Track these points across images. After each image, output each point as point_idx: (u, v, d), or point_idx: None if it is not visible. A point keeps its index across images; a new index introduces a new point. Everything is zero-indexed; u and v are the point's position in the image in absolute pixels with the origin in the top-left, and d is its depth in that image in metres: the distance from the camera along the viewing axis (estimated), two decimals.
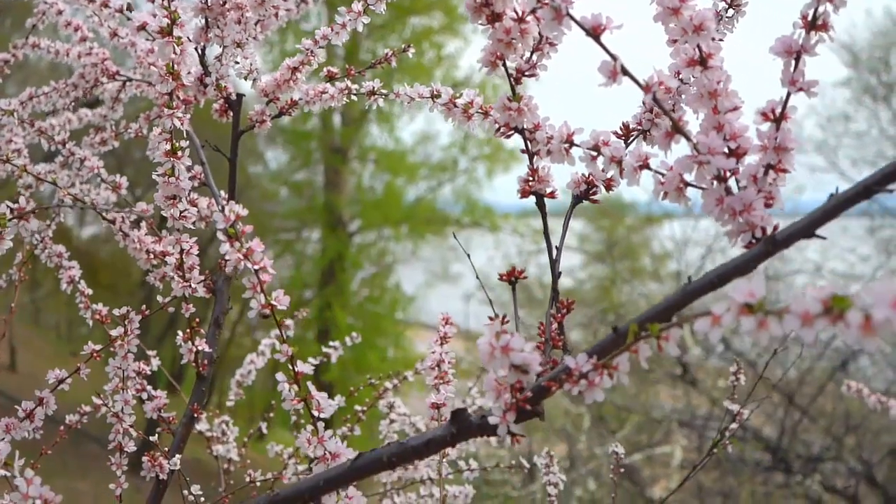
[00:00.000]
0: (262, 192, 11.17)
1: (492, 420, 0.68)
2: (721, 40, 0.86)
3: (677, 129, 0.75)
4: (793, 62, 0.68)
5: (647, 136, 0.85)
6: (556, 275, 0.87)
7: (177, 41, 0.99)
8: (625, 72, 0.69)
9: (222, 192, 1.23)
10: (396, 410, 1.73)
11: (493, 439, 1.84)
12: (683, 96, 0.78)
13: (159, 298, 1.19)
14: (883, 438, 6.87)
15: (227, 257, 0.77)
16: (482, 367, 1.88)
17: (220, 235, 0.77)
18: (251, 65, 1.22)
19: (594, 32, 0.68)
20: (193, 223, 1.08)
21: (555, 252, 0.87)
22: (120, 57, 1.58)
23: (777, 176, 0.69)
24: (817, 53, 0.68)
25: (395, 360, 10.00)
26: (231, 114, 1.27)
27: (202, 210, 1.20)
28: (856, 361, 7.21)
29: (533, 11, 0.75)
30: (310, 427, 0.81)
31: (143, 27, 1.13)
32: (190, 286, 1.10)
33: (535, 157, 0.87)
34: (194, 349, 1.14)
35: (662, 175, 0.75)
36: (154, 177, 1.03)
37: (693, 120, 0.76)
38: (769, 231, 0.67)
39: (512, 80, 0.84)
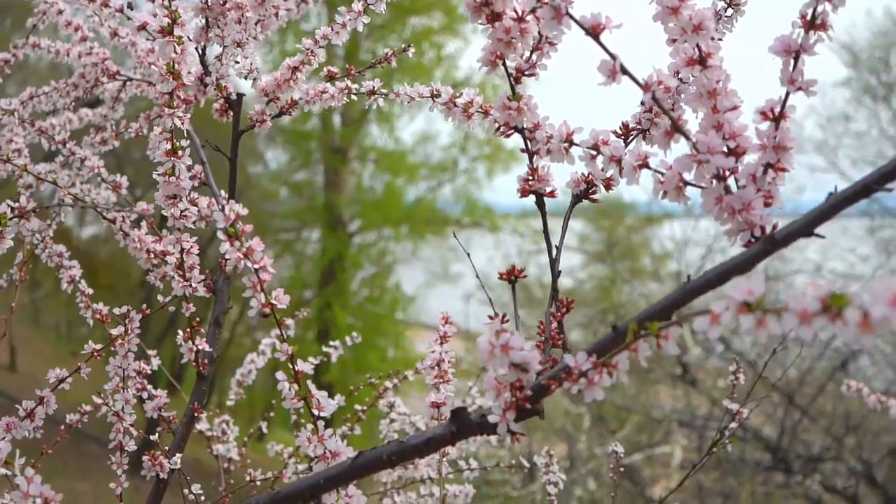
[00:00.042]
0: (262, 192, 11.17)
1: (492, 418, 0.68)
2: (720, 40, 0.86)
3: (676, 129, 0.75)
4: (792, 61, 0.69)
5: (646, 136, 0.85)
6: (555, 274, 0.87)
7: (177, 41, 0.99)
8: (624, 71, 0.69)
9: (222, 192, 1.23)
10: (396, 410, 1.73)
11: (493, 439, 1.84)
12: (683, 95, 0.78)
13: (159, 298, 1.19)
14: (883, 438, 6.87)
15: (227, 256, 0.77)
16: (482, 367, 1.88)
17: (220, 235, 0.77)
18: (251, 64, 1.22)
19: (593, 32, 0.68)
20: (194, 223, 1.08)
21: (554, 251, 0.88)
22: (120, 57, 1.59)
23: (776, 175, 0.70)
24: (816, 53, 0.69)
25: (395, 360, 10.01)
26: (231, 113, 1.27)
27: (202, 210, 1.20)
28: (856, 361, 7.21)
29: (533, 11, 0.75)
30: (310, 426, 0.81)
31: (143, 27, 1.14)
32: (190, 285, 1.10)
33: (535, 156, 0.88)
34: (195, 348, 1.14)
35: (662, 174, 0.75)
36: (155, 176, 1.03)
37: (692, 119, 0.76)
38: (768, 230, 0.67)
39: (512, 79, 0.85)
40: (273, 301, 0.79)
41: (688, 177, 0.73)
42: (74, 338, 11.81)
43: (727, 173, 0.70)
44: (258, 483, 1.57)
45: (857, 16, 8.95)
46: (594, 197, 0.88)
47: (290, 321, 1.72)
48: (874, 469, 6.34)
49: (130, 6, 1.30)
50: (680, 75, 0.77)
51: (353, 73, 1.27)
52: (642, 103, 0.85)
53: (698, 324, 0.54)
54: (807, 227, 0.62)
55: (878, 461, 6.49)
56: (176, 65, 1.00)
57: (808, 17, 0.68)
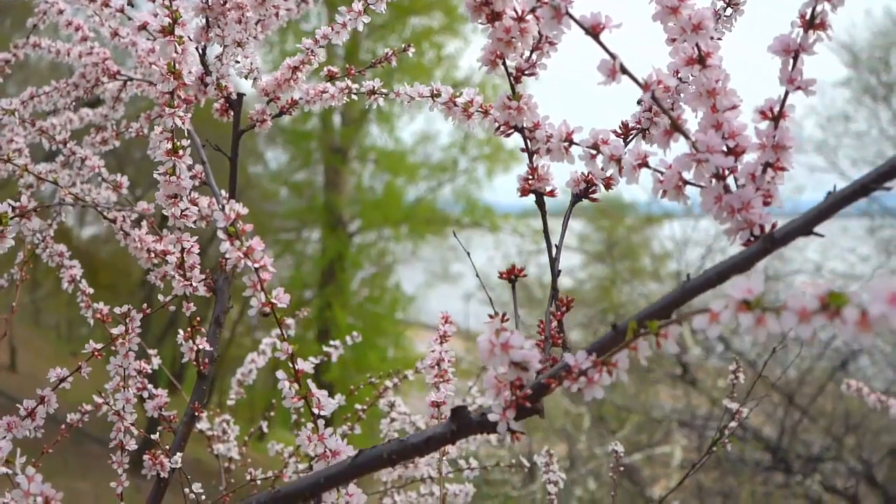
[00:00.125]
0: (262, 192, 11.18)
1: (492, 417, 0.68)
2: (719, 39, 0.86)
3: (676, 128, 0.75)
4: (791, 61, 0.69)
5: (646, 135, 0.85)
6: (555, 273, 0.87)
7: (178, 40, 0.99)
8: (624, 70, 0.69)
9: (223, 192, 1.24)
10: (397, 409, 1.73)
11: (493, 438, 1.84)
12: (682, 95, 0.78)
13: (160, 297, 1.19)
14: (883, 438, 6.87)
15: (227, 255, 0.78)
16: (482, 367, 1.89)
17: (220, 234, 0.77)
18: (252, 64, 1.22)
19: (593, 31, 0.69)
20: (194, 222, 1.08)
21: (554, 251, 0.88)
22: (120, 57, 1.59)
23: (775, 174, 0.70)
24: (815, 52, 0.69)
25: (395, 359, 10.01)
26: (231, 113, 1.27)
27: (203, 209, 1.20)
28: (856, 361, 7.21)
29: (532, 10, 0.75)
30: (310, 425, 0.81)
31: (144, 27, 1.14)
32: (191, 285, 1.10)
33: (535, 155, 0.88)
34: (195, 348, 1.15)
35: (661, 173, 0.76)
36: (155, 175, 1.03)
37: (692, 118, 0.76)
38: (767, 229, 0.68)
39: (512, 78, 0.85)
40: (273, 300, 0.79)
41: (687, 176, 0.73)
42: (75, 338, 11.81)
43: (726, 172, 0.70)
44: (259, 482, 1.57)
45: (857, 16, 8.95)
46: (594, 196, 0.88)
47: (290, 321, 1.72)
48: (874, 469, 6.34)
49: (131, 4, 1.30)
50: (679, 75, 0.77)
51: (354, 72, 1.27)
52: (639, 102, 0.85)
53: (698, 322, 0.54)
54: (806, 225, 0.63)
55: (878, 461, 6.49)
56: (177, 64, 1.00)
57: (807, 17, 0.68)
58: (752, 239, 0.68)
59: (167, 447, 1.14)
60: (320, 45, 1.24)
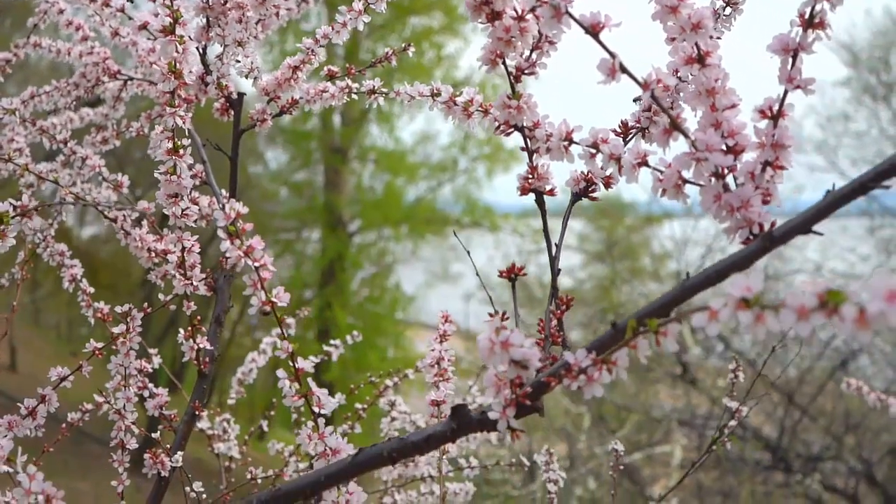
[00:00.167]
0: (262, 192, 11.19)
1: (492, 415, 0.68)
2: (719, 38, 0.86)
3: (675, 127, 0.75)
4: (790, 60, 0.69)
5: (645, 134, 0.85)
6: (555, 272, 0.87)
7: (179, 40, 1.00)
8: (623, 69, 0.69)
9: (223, 191, 1.24)
10: (397, 408, 1.73)
11: (493, 438, 1.84)
12: (682, 94, 0.78)
13: (160, 297, 1.19)
14: (883, 438, 6.88)
15: (227, 254, 0.78)
16: (482, 366, 1.89)
17: (220, 233, 0.78)
18: (252, 63, 1.23)
19: (593, 30, 0.69)
20: (195, 221, 1.08)
21: (554, 249, 0.88)
22: (121, 56, 1.59)
23: (775, 173, 0.70)
24: (814, 51, 0.69)
25: (396, 359, 10.02)
26: (232, 113, 1.27)
27: (203, 209, 1.20)
28: (855, 361, 7.22)
29: (532, 10, 0.75)
30: (311, 423, 0.82)
31: (144, 26, 1.14)
32: (191, 284, 1.10)
33: (535, 154, 0.88)
34: (196, 347, 1.15)
35: (661, 172, 0.76)
36: (156, 175, 1.03)
37: (691, 117, 0.76)
38: (766, 227, 0.68)
39: (512, 78, 0.85)
40: (273, 299, 0.79)
41: (686, 174, 0.73)
42: (75, 338, 11.82)
43: (726, 171, 0.70)
44: (259, 481, 1.57)
45: (857, 15, 8.96)
46: (594, 195, 0.89)
47: (290, 320, 1.72)
48: (874, 468, 6.34)
49: (132, 0, 1.30)
50: (679, 74, 0.77)
51: (354, 72, 1.27)
52: (635, 100, 0.85)
53: (697, 320, 0.54)
54: (804, 224, 0.63)
55: (877, 460, 6.49)
56: (178, 64, 1.00)
57: (807, 16, 0.68)
58: (751, 237, 0.69)
59: (168, 446, 1.15)
60: (321, 44, 1.24)
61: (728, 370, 1.61)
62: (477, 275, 1.07)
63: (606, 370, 0.63)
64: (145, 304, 1.15)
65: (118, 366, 1.12)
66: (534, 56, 0.86)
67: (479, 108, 1.00)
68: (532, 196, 0.91)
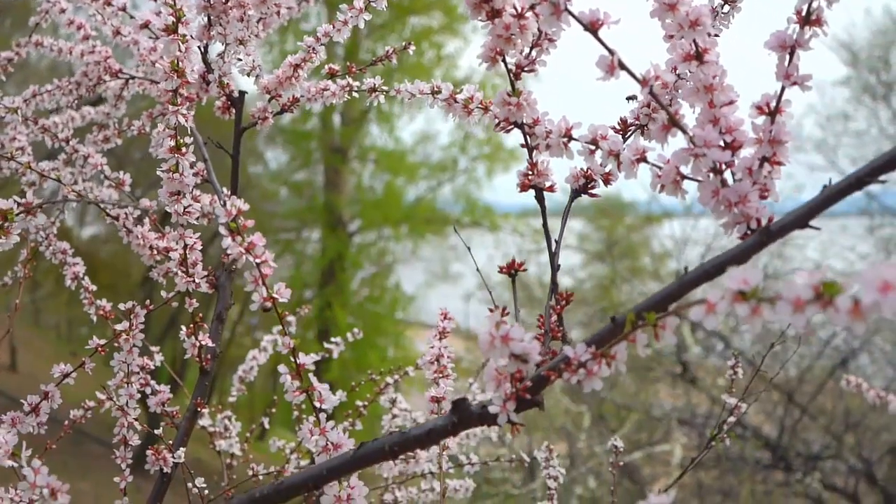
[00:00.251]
0: (262, 192, 11.19)
1: (492, 409, 0.69)
2: (717, 36, 0.87)
3: (674, 123, 0.76)
4: (787, 57, 0.70)
5: (644, 132, 0.86)
6: (555, 268, 0.88)
7: (181, 39, 1.00)
8: (622, 66, 0.70)
9: (224, 189, 1.24)
10: (398, 406, 1.74)
11: (493, 436, 1.83)
12: (680, 91, 0.79)
13: (163, 294, 1.20)
14: (883, 437, 6.89)
15: (228, 251, 0.78)
16: (482, 365, 1.89)
17: (221, 229, 0.78)
18: (254, 62, 1.23)
19: (592, 27, 0.70)
20: (196, 219, 1.09)
21: (554, 246, 0.89)
22: (122, 55, 1.60)
23: (772, 168, 0.71)
24: (811, 48, 0.70)
25: (396, 359, 10.02)
26: (233, 111, 1.28)
27: (205, 206, 1.21)
28: (855, 359, 7.23)
29: (532, 7, 0.76)
30: (312, 419, 0.82)
31: (145, 25, 1.15)
32: (193, 281, 1.11)
33: (535, 151, 0.89)
34: (197, 344, 1.15)
35: (659, 168, 0.77)
36: (158, 173, 1.04)
37: (690, 114, 0.77)
38: (764, 222, 0.68)
39: (511, 75, 0.86)
40: (274, 295, 0.80)
41: (685, 170, 0.74)
42: (75, 338, 11.82)
43: (723, 167, 0.71)
44: (261, 478, 1.58)
45: (857, 15, 8.96)
46: (593, 192, 0.89)
47: (290, 318, 1.73)
48: (874, 467, 6.35)
49: None
50: (677, 71, 0.78)
51: (354, 70, 1.28)
52: (629, 99, 0.86)
53: (695, 313, 0.55)
54: (802, 219, 0.63)
55: (877, 459, 6.50)
56: (180, 62, 1.01)
57: (803, 13, 0.69)
58: (748, 232, 0.69)
59: (170, 442, 1.15)
60: (321, 42, 1.25)
61: (727, 369, 1.62)
62: (478, 270, 1.07)
63: (605, 364, 0.64)
64: (147, 302, 1.16)
65: (121, 363, 1.12)
66: (533, 53, 0.86)
67: (480, 106, 1.00)
68: (532, 196, 0.91)
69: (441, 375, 1.10)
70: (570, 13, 0.70)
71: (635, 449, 7.24)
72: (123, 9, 1.40)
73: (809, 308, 0.47)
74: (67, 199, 1.31)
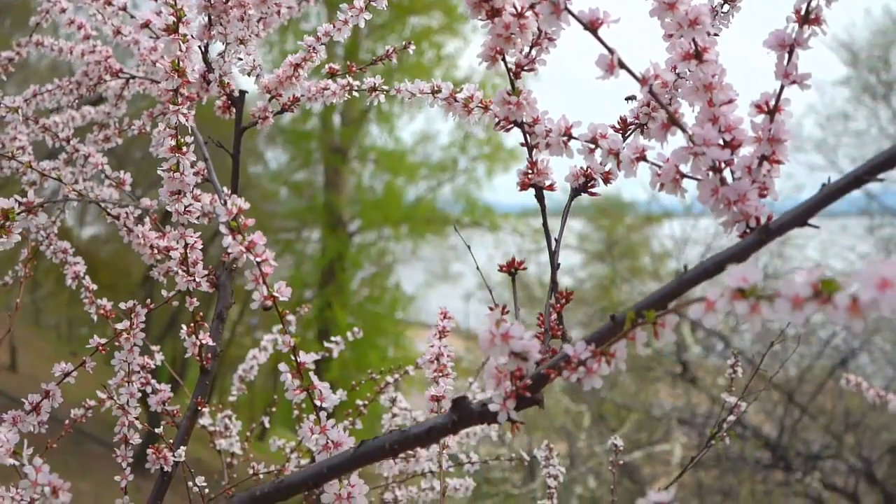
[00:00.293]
0: (262, 192, 11.19)
1: (492, 407, 0.69)
2: (716, 35, 0.87)
3: (673, 121, 0.76)
4: (786, 55, 0.70)
5: (644, 130, 0.86)
6: (555, 267, 0.88)
7: (182, 38, 1.00)
8: (622, 65, 0.70)
9: (225, 189, 1.25)
10: (398, 405, 1.74)
11: (493, 435, 1.83)
12: (680, 90, 0.79)
13: (163, 293, 1.20)
14: (882, 436, 6.89)
15: (229, 250, 0.78)
16: (482, 364, 1.89)
17: (222, 228, 0.78)
18: (254, 61, 1.23)
19: (591, 26, 0.70)
20: (197, 218, 1.09)
21: (554, 244, 0.89)
22: (122, 55, 1.60)
23: (771, 167, 0.71)
24: (810, 47, 0.70)
25: (396, 359, 10.02)
26: (233, 110, 1.28)
27: (205, 206, 1.21)
28: (855, 359, 7.23)
29: (532, 6, 0.76)
30: (312, 417, 0.82)
31: (146, 25, 1.15)
32: (194, 280, 1.11)
33: (535, 150, 0.89)
34: (198, 343, 1.16)
35: (659, 167, 0.77)
36: (159, 172, 1.04)
37: (689, 113, 0.77)
38: (763, 220, 0.69)
39: (511, 74, 0.86)
40: (275, 293, 0.80)
41: (684, 169, 0.74)
42: (75, 338, 11.82)
43: (723, 165, 0.71)
44: (261, 476, 1.58)
45: (857, 15, 8.97)
46: (593, 190, 0.89)
47: (290, 317, 1.73)
48: (874, 467, 6.35)
49: None
50: (677, 70, 0.78)
51: (354, 70, 1.28)
52: (628, 99, 0.86)
53: (694, 311, 0.55)
54: (800, 217, 0.64)
55: (877, 459, 6.51)
56: (181, 62, 1.01)
57: (802, 12, 0.69)
58: (748, 230, 0.70)
59: (170, 441, 1.15)
60: (322, 42, 1.25)
61: (727, 368, 1.62)
62: (478, 268, 1.07)
63: (605, 362, 0.64)
64: (147, 301, 1.16)
65: (122, 361, 1.12)
66: (533, 53, 0.87)
67: (479, 105, 1.00)
68: (532, 196, 0.92)
69: (441, 374, 1.10)
70: (570, 12, 0.70)
71: (635, 448, 7.25)
72: (124, 8, 1.40)
73: (808, 305, 0.47)
74: (68, 199, 1.32)
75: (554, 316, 0.84)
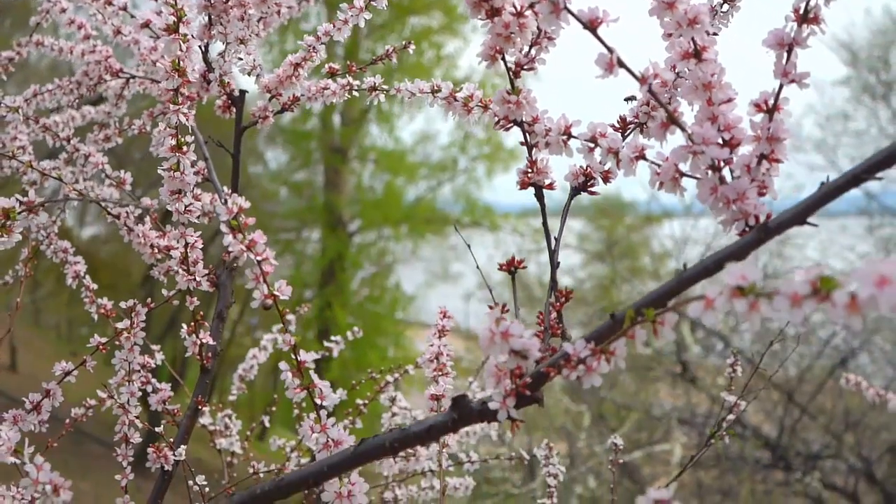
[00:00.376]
0: (262, 192, 11.19)
1: (492, 405, 0.69)
2: (716, 35, 0.87)
3: (672, 120, 0.76)
4: (785, 54, 0.70)
5: (643, 129, 0.86)
6: (554, 265, 0.88)
7: (182, 38, 1.01)
8: (621, 64, 0.70)
9: (225, 188, 1.25)
10: (398, 404, 1.74)
11: (493, 435, 1.83)
12: (679, 89, 0.79)
13: (164, 292, 1.20)
14: (882, 436, 6.89)
15: (230, 248, 0.79)
16: (482, 364, 1.90)
17: (222, 227, 0.78)
18: (254, 61, 1.24)
19: (591, 25, 0.70)
20: (197, 218, 1.09)
21: (553, 243, 0.89)
22: (122, 55, 1.60)
23: (770, 166, 0.71)
24: (809, 46, 0.70)
25: (396, 359, 10.02)
26: (234, 110, 1.28)
27: (205, 205, 1.21)
28: (855, 359, 7.23)
29: (531, 6, 0.77)
30: (313, 415, 0.82)
31: (146, 25, 1.15)
32: (194, 279, 1.11)
33: (534, 149, 0.89)
34: (198, 342, 1.16)
35: (658, 165, 0.77)
36: (160, 171, 1.04)
37: (688, 112, 0.78)
38: (762, 219, 0.69)
39: (511, 73, 0.86)
40: (275, 292, 0.80)
41: (684, 167, 0.74)
42: (75, 338, 11.82)
43: (722, 164, 0.71)
44: (261, 475, 1.58)
45: (857, 14, 8.98)
46: (592, 189, 0.90)
47: (290, 317, 1.73)
48: (873, 466, 6.36)
49: None
50: (676, 69, 0.78)
51: (355, 69, 1.28)
52: (627, 100, 0.86)
53: (693, 309, 0.55)
54: (799, 215, 0.64)
55: (877, 458, 6.51)
56: (181, 62, 1.01)
57: (801, 11, 0.69)
58: (747, 229, 0.70)
59: (171, 440, 1.15)
60: (322, 41, 1.25)
61: (727, 368, 1.62)
62: (477, 267, 1.08)
63: (605, 360, 0.64)
64: (148, 300, 1.16)
65: (122, 361, 1.12)
66: (533, 52, 0.87)
67: (479, 104, 1.01)
68: (532, 196, 0.92)
69: (440, 373, 1.10)
70: (570, 11, 0.71)
71: (635, 448, 7.25)
72: (124, 8, 1.41)
73: (807, 303, 0.48)
74: (69, 198, 1.32)
75: (553, 314, 0.85)
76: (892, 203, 8.46)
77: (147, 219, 1.28)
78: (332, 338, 1.77)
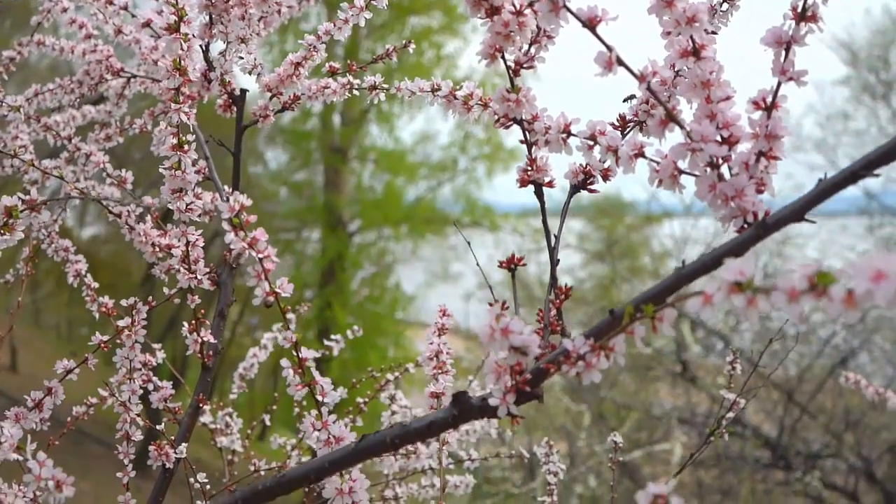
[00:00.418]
0: (262, 192, 11.19)
1: (492, 401, 0.69)
2: (715, 33, 0.88)
3: (671, 118, 0.77)
4: (783, 53, 0.71)
5: (642, 127, 0.87)
6: (554, 262, 0.89)
7: (183, 37, 1.01)
8: (620, 62, 0.71)
9: (226, 187, 1.25)
10: (398, 402, 1.75)
11: (493, 434, 1.84)
12: (678, 87, 0.80)
13: (165, 291, 1.20)
14: (882, 435, 6.90)
15: (231, 246, 0.79)
16: (482, 363, 1.90)
17: (224, 225, 0.79)
18: (255, 60, 1.24)
19: (590, 24, 0.70)
20: (198, 216, 1.10)
21: (553, 241, 0.89)
22: (123, 54, 1.61)
23: (769, 163, 0.71)
24: (807, 44, 0.70)
25: (396, 359, 10.01)
26: (234, 109, 1.29)
27: (206, 204, 1.22)
28: (855, 358, 7.24)
29: (531, 4, 0.77)
30: (314, 412, 0.83)
31: (147, 24, 1.16)
32: (195, 278, 1.12)
33: (534, 147, 0.89)
34: (199, 340, 1.16)
35: (657, 163, 0.77)
36: (161, 170, 1.05)
37: (687, 110, 0.78)
38: (760, 216, 0.69)
39: (510, 72, 0.86)
40: (277, 290, 0.80)
41: (682, 165, 0.75)
42: (75, 338, 11.83)
43: (720, 161, 0.72)
44: (262, 473, 1.58)
45: (856, 14, 8.99)
46: (592, 187, 0.90)
47: (291, 315, 1.73)
48: (873, 466, 6.36)
49: None
50: (675, 67, 0.79)
51: (355, 68, 1.29)
52: (626, 100, 0.86)
53: (692, 305, 0.56)
54: (797, 212, 0.64)
55: (877, 458, 6.51)
56: (182, 61, 1.02)
57: (799, 9, 0.70)
58: (745, 226, 0.70)
59: (172, 438, 1.16)
60: (322, 41, 1.26)
61: (727, 366, 1.62)
62: (477, 265, 1.08)
63: (604, 356, 0.65)
64: (149, 299, 1.16)
65: (123, 359, 1.13)
66: (532, 50, 0.87)
67: (479, 102, 1.01)
68: (531, 196, 0.92)
69: (440, 371, 1.11)
70: (569, 10, 0.71)
71: (635, 448, 7.25)
72: (125, 8, 1.41)
73: (804, 298, 0.48)
74: (70, 197, 1.32)
75: (553, 311, 0.85)
76: (893, 202, 8.47)
77: (148, 217, 1.28)
78: (333, 337, 1.77)
